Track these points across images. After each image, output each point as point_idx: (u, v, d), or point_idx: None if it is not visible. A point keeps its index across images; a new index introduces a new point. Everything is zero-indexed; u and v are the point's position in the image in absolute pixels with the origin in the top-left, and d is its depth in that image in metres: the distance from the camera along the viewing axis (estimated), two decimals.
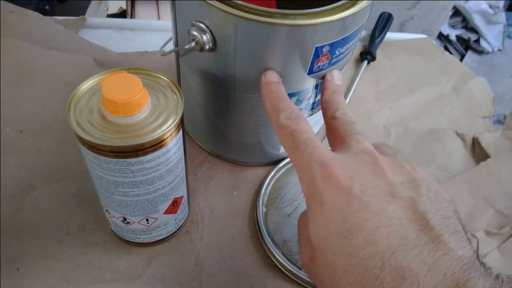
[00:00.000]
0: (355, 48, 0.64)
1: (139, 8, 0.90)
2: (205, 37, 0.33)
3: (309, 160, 0.25)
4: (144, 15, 0.89)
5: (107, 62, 0.56)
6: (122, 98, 0.28)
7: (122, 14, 0.85)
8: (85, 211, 0.41)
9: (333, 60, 0.36)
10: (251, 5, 0.31)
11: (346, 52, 0.37)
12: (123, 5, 0.86)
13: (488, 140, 0.51)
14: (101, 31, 0.63)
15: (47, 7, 1.13)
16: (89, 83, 0.31)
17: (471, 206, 0.45)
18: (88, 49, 0.57)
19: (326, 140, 0.50)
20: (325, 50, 0.34)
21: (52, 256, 0.38)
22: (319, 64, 0.36)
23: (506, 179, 0.48)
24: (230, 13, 0.31)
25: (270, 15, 0.31)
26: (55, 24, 0.57)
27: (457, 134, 0.53)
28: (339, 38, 0.34)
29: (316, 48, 0.34)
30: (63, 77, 0.52)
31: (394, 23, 0.65)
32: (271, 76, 0.32)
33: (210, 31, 0.33)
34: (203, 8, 0.32)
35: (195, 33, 0.33)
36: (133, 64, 0.56)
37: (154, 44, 0.59)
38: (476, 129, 0.54)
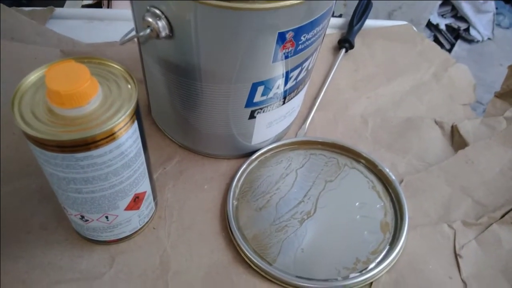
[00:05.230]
0: (334, 35, 0.62)
1: None
2: (161, 24, 0.31)
3: None
4: (122, 4, 0.86)
5: (75, 53, 0.54)
6: (67, 89, 0.26)
7: (98, 4, 0.82)
8: (47, 208, 0.40)
9: (299, 47, 0.35)
10: None
11: (314, 38, 0.35)
12: None
13: (467, 127, 0.50)
14: (70, 22, 0.61)
15: None
16: (36, 74, 0.29)
17: (448, 196, 0.44)
18: (55, 41, 0.55)
19: (301, 130, 0.49)
20: (289, 36, 0.33)
21: (10, 256, 0.36)
22: (284, 50, 0.34)
23: (485, 167, 0.46)
24: None
25: None
26: (19, 15, 0.54)
27: (436, 122, 0.52)
28: (304, 23, 0.33)
29: (279, 33, 0.32)
30: (25, 69, 0.50)
31: (382, 13, 0.64)
32: None
33: (166, 17, 0.31)
34: None
35: (149, 19, 0.31)
36: (102, 54, 0.54)
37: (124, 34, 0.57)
38: (456, 117, 0.53)
